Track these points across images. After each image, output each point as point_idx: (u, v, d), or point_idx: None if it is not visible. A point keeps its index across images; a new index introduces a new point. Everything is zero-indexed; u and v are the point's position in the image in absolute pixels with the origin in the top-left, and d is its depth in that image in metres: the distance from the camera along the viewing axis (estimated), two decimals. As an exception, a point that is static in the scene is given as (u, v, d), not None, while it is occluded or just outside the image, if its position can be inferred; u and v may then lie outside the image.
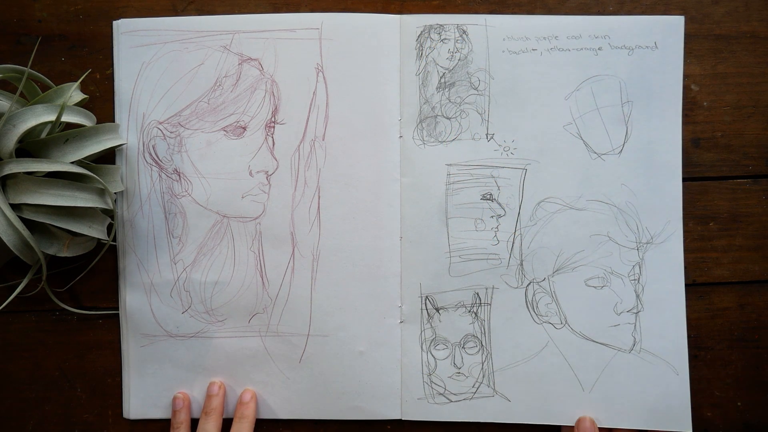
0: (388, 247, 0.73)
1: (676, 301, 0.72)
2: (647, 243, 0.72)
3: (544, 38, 0.72)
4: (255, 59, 0.72)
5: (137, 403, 0.74)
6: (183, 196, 0.72)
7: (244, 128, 0.72)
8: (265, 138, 0.72)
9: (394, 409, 0.73)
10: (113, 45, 0.73)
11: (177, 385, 0.74)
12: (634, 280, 0.72)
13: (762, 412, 0.73)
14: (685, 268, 0.72)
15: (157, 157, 0.73)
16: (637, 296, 0.72)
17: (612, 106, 0.72)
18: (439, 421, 0.73)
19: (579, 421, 0.71)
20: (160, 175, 0.73)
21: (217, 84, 0.72)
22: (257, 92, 0.72)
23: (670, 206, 0.72)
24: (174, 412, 0.73)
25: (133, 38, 0.72)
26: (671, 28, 0.72)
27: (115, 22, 0.72)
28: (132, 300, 0.73)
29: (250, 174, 0.72)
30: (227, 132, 0.72)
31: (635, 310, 0.72)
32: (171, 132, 0.72)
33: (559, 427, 0.73)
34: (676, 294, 0.72)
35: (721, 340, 0.73)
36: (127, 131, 0.72)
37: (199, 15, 0.73)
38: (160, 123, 0.72)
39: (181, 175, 0.72)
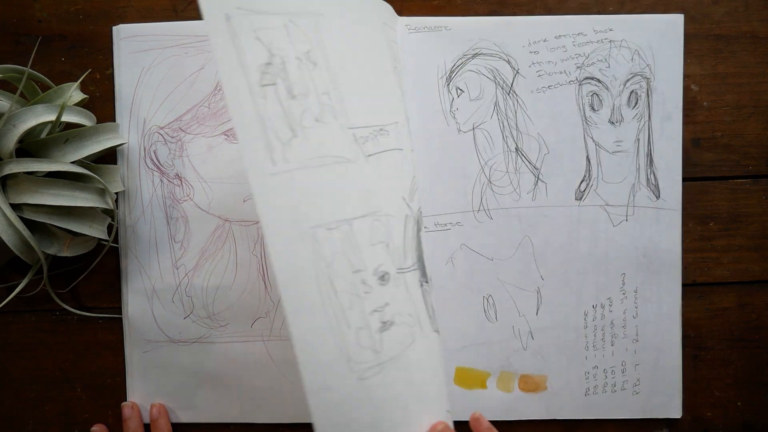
0: (389, 247, 0.72)
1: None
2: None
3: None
4: (255, 63, 0.72)
5: (141, 409, 0.74)
6: (185, 200, 0.72)
7: (245, 132, 0.72)
8: (266, 141, 0.72)
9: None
10: (113, 50, 0.72)
11: (180, 391, 0.74)
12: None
13: (762, 412, 0.73)
14: (685, 268, 0.72)
15: (159, 162, 0.72)
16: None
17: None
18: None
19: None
20: (161, 180, 0.72)
21: (218, 88, 0.71)
22: (258, 96, 0.72)
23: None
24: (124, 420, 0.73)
25: (132, 44, 0.72)
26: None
27: (114, 28, 0.72)
28: (134, 306, 0.73)
29: (252, 178, 0.72)
30: (228, 136, 0.72)
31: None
32: (172, 137, 0.72)
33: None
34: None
35: (721, 340, 0.73)
36: (128, 137, 0.72)
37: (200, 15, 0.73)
38: (161, 128, 0.72)
39: (183, 179, 0.72)
